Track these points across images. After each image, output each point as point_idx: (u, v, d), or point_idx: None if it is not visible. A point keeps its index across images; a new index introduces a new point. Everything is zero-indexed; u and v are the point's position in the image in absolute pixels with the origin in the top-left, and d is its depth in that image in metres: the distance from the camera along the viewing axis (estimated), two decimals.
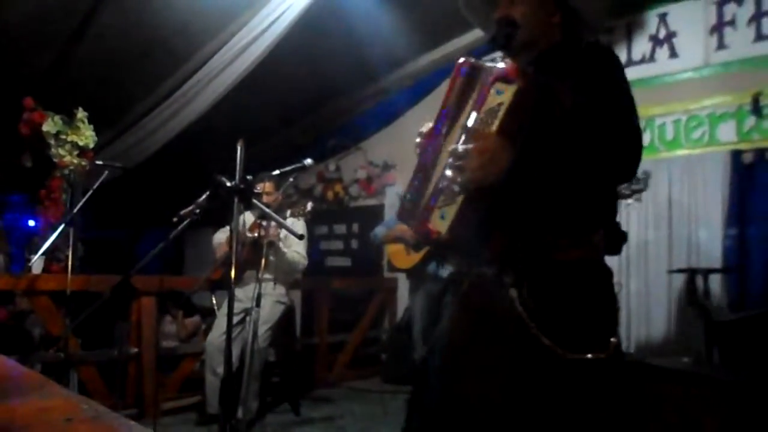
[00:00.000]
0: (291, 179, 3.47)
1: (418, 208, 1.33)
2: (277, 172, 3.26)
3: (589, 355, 1.20)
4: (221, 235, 3.89)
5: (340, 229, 6.48)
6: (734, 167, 3.79)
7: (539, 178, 1.23)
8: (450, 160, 1.23)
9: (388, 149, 6.17)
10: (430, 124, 1.48)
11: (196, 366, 4.24)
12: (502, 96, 1.20)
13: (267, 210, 2.15)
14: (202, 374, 4.26)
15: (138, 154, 4.97)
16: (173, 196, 6.10)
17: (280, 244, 3.60)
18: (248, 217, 3.74)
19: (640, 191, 2.96)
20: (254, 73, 4.74)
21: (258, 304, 3.18)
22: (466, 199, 1.23)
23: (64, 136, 3.66)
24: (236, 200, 1.87)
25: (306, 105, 6.01)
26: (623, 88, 1.31)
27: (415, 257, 4.00)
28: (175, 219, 2.15)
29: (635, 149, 1.24)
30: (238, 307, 3.78)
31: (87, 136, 3.74)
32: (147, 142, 5.03)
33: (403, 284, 5.53)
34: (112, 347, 3.94)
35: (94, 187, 3.20)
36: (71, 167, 3.65)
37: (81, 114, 3.79)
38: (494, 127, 1.20)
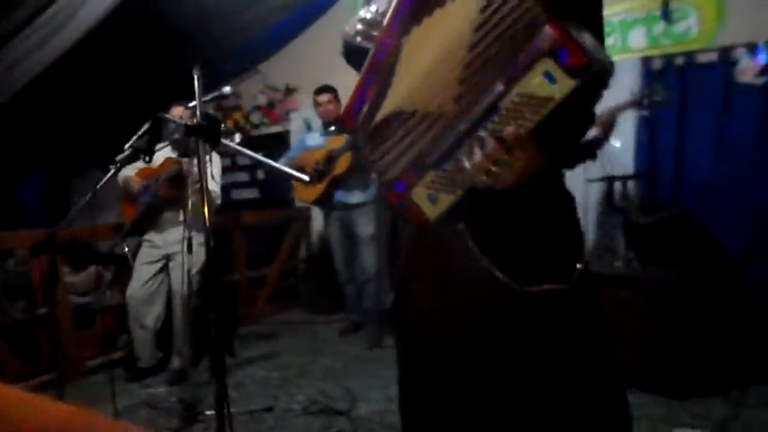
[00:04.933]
0: (211, 109, 3.14)
1: (371, 127, 1.04)
2: (194, 103, 2.91)
3: (548, 286, 1.08)
4: (128, 172, 3.50)
5: (244, 159, 6.12)
6: (644, 74, 3.92)
7: None
8: (477, 150, 0.92)
9: (289, 71, 5.82)
10: (371, 10, 1.19)
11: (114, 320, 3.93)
12: (552, 87, 0.83)
13: (247, 151, 1.89)
14: (118, 328, 3.97)
15: (6, 87, 4.30)
16: (53, 132, 5.43)
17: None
18: (158, 154, 3.37)
19: (658, 102, 2.90)
20: None
21: (190, 250, 2.92)
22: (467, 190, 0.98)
23: None
24: (201, 141, 1.60)
25: (194, 26, 5.44)
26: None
27: (320, 187, 3.91)
28: (112, 167, 1.83)
29: None
30: (156, 254, 3.50)
31: None
32: (16, 72, 4.35)
33: (318, 212, 5.41)
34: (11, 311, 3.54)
35: None
36: None
37: None
38: (530, 124, 0.88)
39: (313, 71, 5.57)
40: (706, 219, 3.53)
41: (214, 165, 3.51)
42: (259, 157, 1.91)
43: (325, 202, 4.01)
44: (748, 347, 3.05)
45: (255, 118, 6.01)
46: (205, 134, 1.62)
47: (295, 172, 1.73)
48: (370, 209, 4.00)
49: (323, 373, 3.49)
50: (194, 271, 3.44)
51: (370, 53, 1.05)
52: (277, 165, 1.86)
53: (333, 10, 5.47)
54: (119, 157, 1.79)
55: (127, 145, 1.81)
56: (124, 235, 3.48)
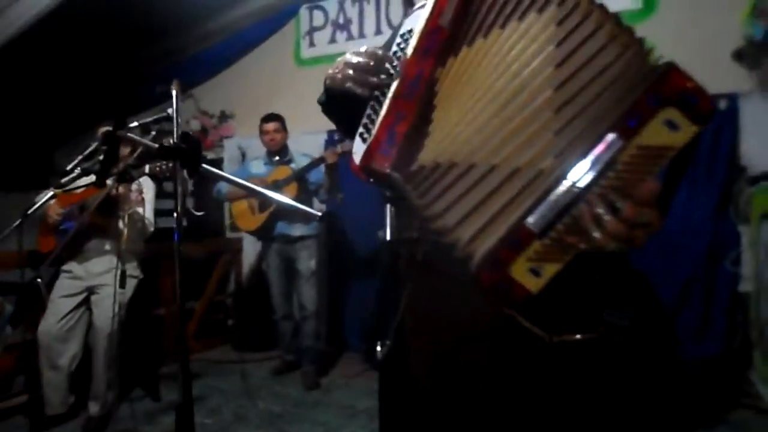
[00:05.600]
0: (153, 132, 2.91)
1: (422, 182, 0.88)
2: (135, 123, 2.70)
3: (578, 336, 1.03)
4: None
5: (172, 186, 5.79)
6: None
7: None
8: (602, 213, 0.79)
9: (224, 97, 5.61)
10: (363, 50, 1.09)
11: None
12: (674, 135, 0.75)
13: (231, 177, 1.69)
14: (15, 369, 3.54)
15: None
16: None
17: (140, 210, 3.05)
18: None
19: None
20: (67, 7, 3.93)
21: (123, 284, 2.66)
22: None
23: None
24: (178, 166, 1.41)
25: (129, 45, 5.17)
26: None
27: (261, 217, 3.77)
28: (52, 191, 1.60)
29: None
30: (77, 286, 3.19)
31: None
32: None
33: (249, 244, 5.19)
34: None
35: None
36: None
37: None
38: (649, 177, 0.78)
39: (249, 98, 5.41)
40: (640, 267, 3.63)
41: (147, 190, 3.29)
42: (256, 187, 1.70)
43: (265, 233, 3.82)
44: (689, 395, 3.12)
45: None
46: (184, 158, 1.41)
47: (305, 208, 1.56)
48: (311, 243, 3.84)
49: (260, 418, 3.25)
50: (121, 306, 3.16)
51: (395, 86, 0.94)
52: (281, 198, 1.69)
53: (274, 38, 5.35)
54: (65, 179, 1.57)
55: (71, 165, 1.59)
56: (44, 266, 3.13)
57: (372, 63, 1.06)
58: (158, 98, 5.62)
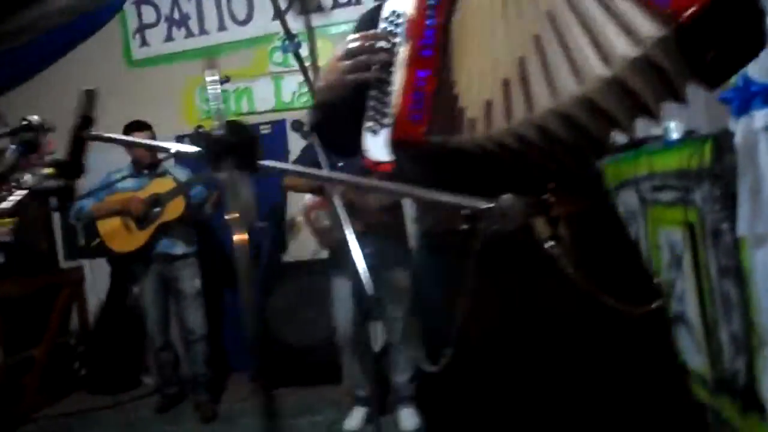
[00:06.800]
0: None
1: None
2: None
3: (654, 305, 0.98)
4: None
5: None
6: None
7: None
8: None
9: (39, 108, 4.71)
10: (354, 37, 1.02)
11: None
12: None
13: (312, 171, 1.24)
14: None
15: None
16: None
17: None
18: None
19: None
20: None
21: None
22: None
23: None
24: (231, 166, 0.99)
25: None
26: None
27: (143, 235, 3.34)
28: None
29: None
30: None
31: None
32: None
33: (99, 270, 4.54)
34: None
35: None
36: None
37: None
38: None
39: (72, 107, 4.67)
40: None
41: None
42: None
43: (145, 253, 3.32)
44: None
45: None
46: (238, 155, 0.98)
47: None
48: (193, 262, 3.47)
49: None
50: None
51: (405, 51, 0.93)
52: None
53: (95, 39, 4.73)
54: None
55: None
56: None
57: (369, 43, 0.99)
58: None
